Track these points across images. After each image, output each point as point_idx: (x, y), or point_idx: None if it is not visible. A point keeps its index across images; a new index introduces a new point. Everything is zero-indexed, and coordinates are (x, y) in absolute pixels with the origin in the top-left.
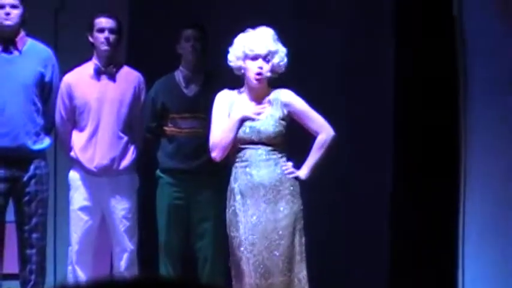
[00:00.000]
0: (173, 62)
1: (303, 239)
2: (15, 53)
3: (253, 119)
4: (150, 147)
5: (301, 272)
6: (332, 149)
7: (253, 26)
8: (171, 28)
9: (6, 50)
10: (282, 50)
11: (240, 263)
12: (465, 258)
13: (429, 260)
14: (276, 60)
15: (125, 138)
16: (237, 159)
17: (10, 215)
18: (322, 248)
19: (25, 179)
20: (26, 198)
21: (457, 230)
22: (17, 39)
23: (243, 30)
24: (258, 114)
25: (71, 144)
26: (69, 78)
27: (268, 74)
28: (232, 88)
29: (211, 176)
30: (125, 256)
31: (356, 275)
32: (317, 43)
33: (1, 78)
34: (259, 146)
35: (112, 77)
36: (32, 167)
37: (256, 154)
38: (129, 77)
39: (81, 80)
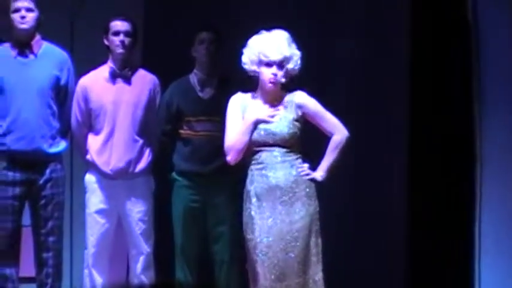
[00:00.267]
0: (188, 65)
1: (320, 241)
2: (31, 56)
3: (267, 122)
4: (166, 150)
5: (317, 274)
6: (346, 151)
7: (268, 29)
8: (186, 31)
9: (22, 54)
10: (296, 54)
11: (255, 265)
12: (481, 265)
13: (445, 264)
14: (290, 65)
15: (141, 141)
16: (253, 162)
17: (26, 220)
18: (338, 250)
19: (41, 182)
20: (42, 201)
21: (473, 235)
22: (33, 42)
23: (257, 33)
24: (272, 117)
25: (86, 147)
26: (85, 81)
27: (283, 80)
28: (246, 91)
29: (227, 179)
30: (141, 259)
31: (372, 278)
32: (330, 44)
33: (17, 81)
34: (274, 148)
35: (127, 80)
36: (48, 171)
37: (271, 156)
38: (144, 79)
39: (96, 83)
